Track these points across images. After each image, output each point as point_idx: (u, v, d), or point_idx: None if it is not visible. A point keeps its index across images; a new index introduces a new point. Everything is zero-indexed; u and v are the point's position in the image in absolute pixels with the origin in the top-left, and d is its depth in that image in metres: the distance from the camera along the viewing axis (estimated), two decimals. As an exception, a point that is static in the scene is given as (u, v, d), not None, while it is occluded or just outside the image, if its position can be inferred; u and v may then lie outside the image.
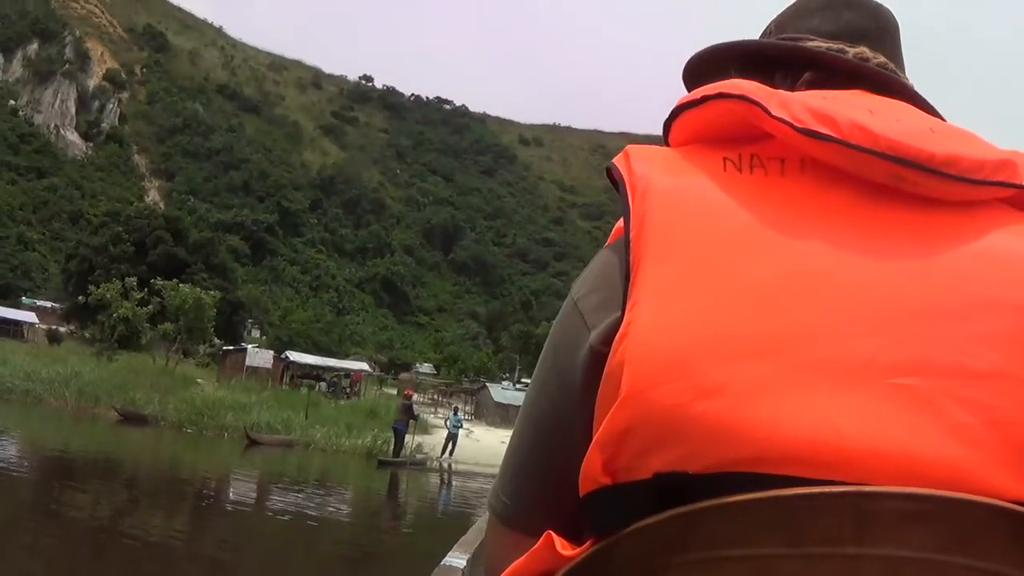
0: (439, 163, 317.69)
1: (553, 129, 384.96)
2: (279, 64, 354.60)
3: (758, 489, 1.02)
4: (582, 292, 1.26)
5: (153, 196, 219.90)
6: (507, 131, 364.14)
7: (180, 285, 68.21)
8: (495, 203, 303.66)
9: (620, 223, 1.25)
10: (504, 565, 1.28)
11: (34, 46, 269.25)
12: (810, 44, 1.45)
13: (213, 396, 47.79)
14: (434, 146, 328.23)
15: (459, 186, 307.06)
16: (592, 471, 1.12)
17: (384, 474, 39.04)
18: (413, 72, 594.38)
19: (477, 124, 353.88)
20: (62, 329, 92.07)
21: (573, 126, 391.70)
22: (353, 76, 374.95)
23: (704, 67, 1.52)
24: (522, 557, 1.22)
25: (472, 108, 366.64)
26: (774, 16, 1.58)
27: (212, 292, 71.55)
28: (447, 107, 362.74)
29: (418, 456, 44.65)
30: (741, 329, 1.09)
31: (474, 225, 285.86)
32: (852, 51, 1.42)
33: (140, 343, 66.35)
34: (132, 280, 68.21)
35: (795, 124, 1.17)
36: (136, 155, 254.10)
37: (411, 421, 42.78)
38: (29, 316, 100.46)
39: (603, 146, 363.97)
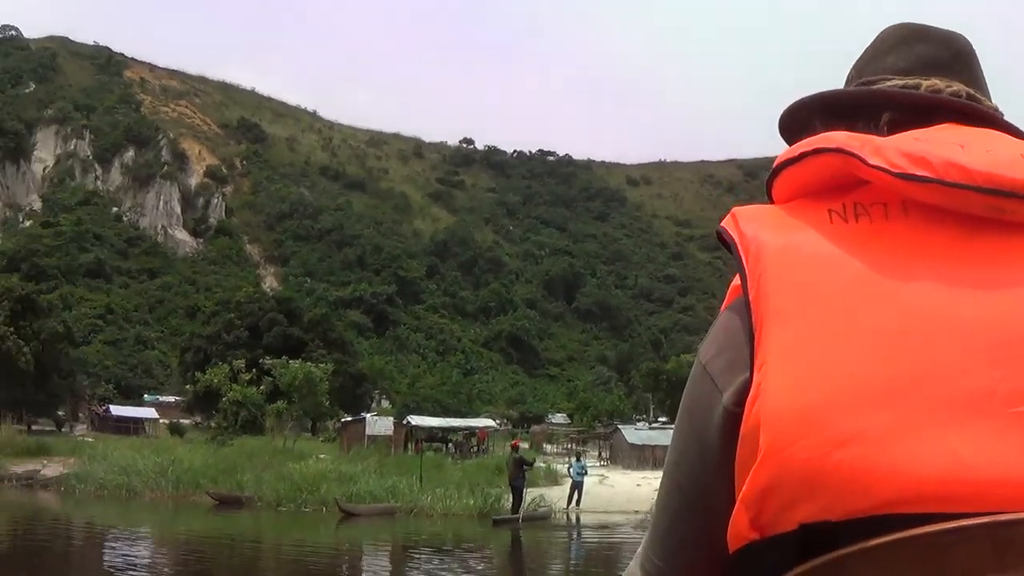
0: (550, 214, 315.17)
1: (660, 166, 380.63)
2: (378, 139, 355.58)
3: (898, 529, 1.04)
4: (710, 355, 1.29)
5: (270, 282, 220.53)
6: (614, 174, 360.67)
7: (290, 362, 66.39)
8: (612, 247, 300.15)
9: (735, 282, 1.30)
10: None
11: (130, 153, 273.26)
12: (886, 84, 1.47)
13: (314, 470, 45.31)
14: (543, 199, 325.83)
15: (573, 234, 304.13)
16: (740, 528, 1.16)
17: (502, 534, 36.17)
18: (512, 129, 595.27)
19: (583, 171, 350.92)
20: (185, 421, 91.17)
21: (679, 160, 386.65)
22: (453, 141, 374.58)
23: (793, 121, 1.55)
24: None
25: (576, 156, 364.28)
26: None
27: (323, 364, 69.72)
28: (551, 158, 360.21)
29: (540, 509, 41.51)
30: (866, 378, 1.11)
31: (594, 271, 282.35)
32: (925, 84, 1.43)
33: (263, 426, 64.51)
34: (240, 363, 66.62)
35: (892, 170, 1.20)
36: (247, 244, 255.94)
37: (525, 473, 39.81)
38: (149, 412, 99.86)
39: (711, 175, 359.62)
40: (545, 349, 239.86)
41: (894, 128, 1.38)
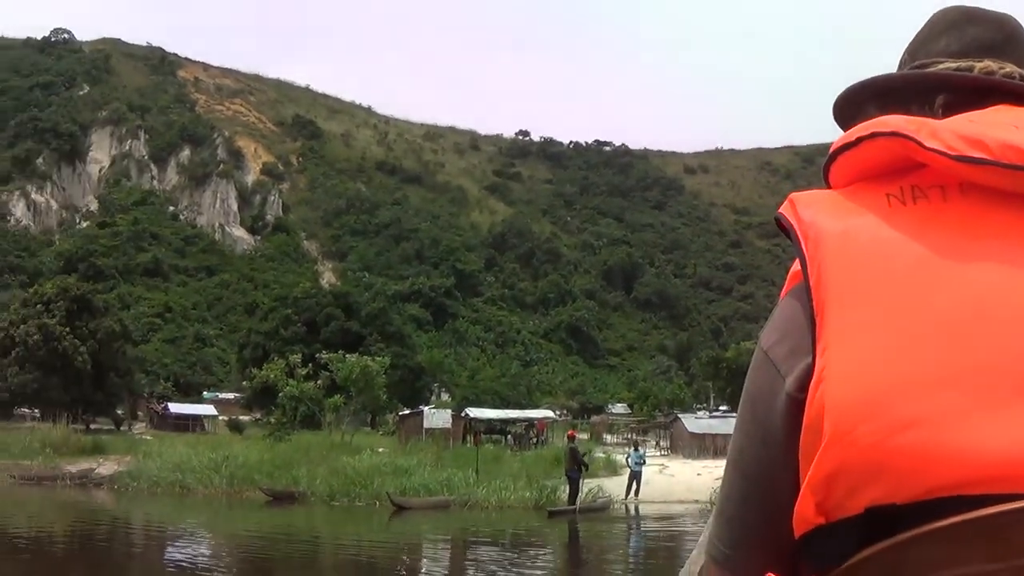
0: (608, 205, 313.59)
1: (716, 154, 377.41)
2: (434, 133, 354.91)
3: (963, 511, 1.05)
4: (771, 342, 1.30)
5: (328, 277, 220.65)
6: (670, 163, 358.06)
7: (346, 356, 66.07)
8: (670, 236, 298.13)
9: (794, 268, 1.31)
10: None
11: (186, 152, 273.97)
12: (939, 67, 1.46)
13: (367, 464, 44.78)
14: (600, 189, 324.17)
15: (631, 224, 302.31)
16: (806, 513, 1.17)
17: (558, 526, 35.41)
18: (568, 120, 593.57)
19: (640, 161, 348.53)
20: (244, 418, 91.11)
21: (736, 148, 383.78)
22: (509, 133, 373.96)
23: (847, 106, 1.55)
24: None
25: (632, 146, 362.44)
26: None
27: (380, 358, 69.31)
28: (607, 148, 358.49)
29: (598, 500, 40.68)
30: (929, 360, 1.12)
31: (652, 260, 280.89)
32: (978, 66, 1.42)
33: (321, 421, 64.28)
34: (296, 358, 66.33)
35: (949, 152, 1.19)
36: (305, 241, 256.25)
37: (582, 465, 39.02)
38: (208, 409, 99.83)
39: (769, 163, 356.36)
40: (604, 339, 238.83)
41: (948, 111, 1.38)
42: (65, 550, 29.49)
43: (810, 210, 1.27)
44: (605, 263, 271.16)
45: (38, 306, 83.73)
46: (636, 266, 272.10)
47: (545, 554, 30.25)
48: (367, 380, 63.64)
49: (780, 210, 1.31)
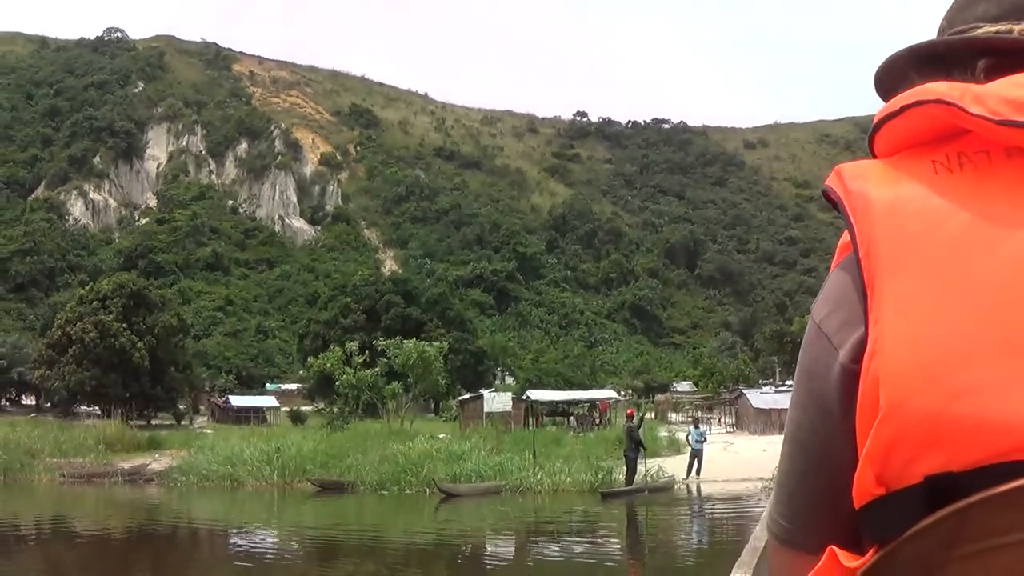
0: (668, 182, 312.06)
1: (775, 128, 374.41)
2: (492, 117, 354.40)
3: (1021, 477, 1.05)
4: (823, 314, 1.30)
5: (389, 265, 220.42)
6: (730, 139, 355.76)
7: (404, 341, 65.10)
8: (732, 212, 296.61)
9: (843, 240, 1.31)
10: None
11: (243, 145, 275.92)
12: (979, 32, 1.44)
13: (419, 450, 43.75)
14: (660, 167, 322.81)
15: (692, 201, 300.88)
16: (865, 484, 1.17)
17: (615, 509, 34.22)
18: (625, 100, 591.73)
19: (699, 137, 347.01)
20: (306, 408, 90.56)
21: (795, 121, 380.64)
22: (567, 115, 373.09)
23: (889, 76, 1.53)
24: (810, 574, 1.27)
25: (690, 123, 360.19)
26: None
27: (437, 343, 68.38)
28: (665, 126, 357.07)
29: (659, 480, 39.35)
30: (983, 328, 1.12)
31: (714, 237, 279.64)
32: (1017, 28, 1.40)
33: (384, 409, 63.37)
34: (353, 345, 65.50)
35: (993, 117, 1.19)
36: (365, 230, 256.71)
37: (640, 445, 37.80)
38: (269, 400, 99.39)
39: (828, 135, 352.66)
40: (668, 317, 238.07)
41: (991, 75, 1.37)
42: (64, 547, 28.83)
43: (857, 181, 1.28)
44: (667, 241, 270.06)
45: (94, 303, 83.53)
46: (698, 243, 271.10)
47: (595, 539, 29.05)
48: (425, 366, 62.59)
49: (827, 182, 1.32)
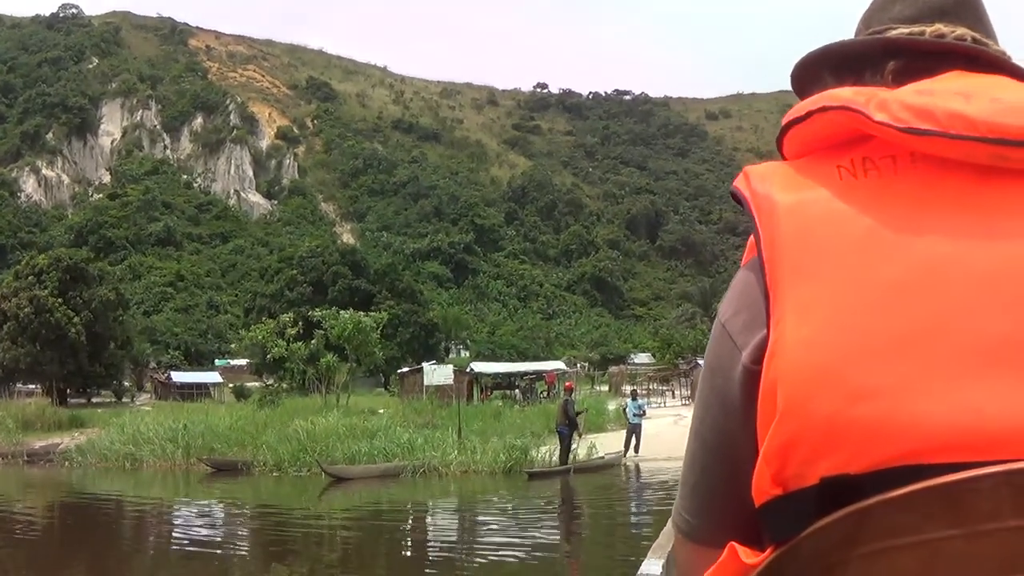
0: (630, 154, 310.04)
1: (738, 99, 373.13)
2: (451, 90, 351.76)
3: (918, 480, 1.07)
4: (728, 315, 1.32)
5: (346, 238, 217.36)
6: (692, 109, 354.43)
7: (340, 312, 62.16)
8: (694, 183, 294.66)
9: (752, 241, 1.31)
10: None
11: (198, 120, 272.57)
12: (892, 33, 1.46)
13: (323, 428, 40.79)
14: (622, 138, 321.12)
15: (654, 172, 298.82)
16: (763, 484, 1.19)
17: (540, 487, 31.54)
18: (586, 71, 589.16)
19: (661, 108, 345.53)
20: (252, 384, 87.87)
21: (757, 92, 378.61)
22: (527, 87, 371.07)
23: (804, 75, 1.56)
24: (711, 568, 1.29)
25: (652, 94, 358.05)
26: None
27: (375, 312, 65.57)
28: (627, 97, 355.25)
29: (607, 457, 36.59)
30: (882, 331, 1.13)
31: (676, 208, 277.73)
32: (929, 30, 1.43)
33: (325, 383, 60.39)
34: (286, 317, 62.70)
35: (897, 124, 1.21)
36: (323, 203, 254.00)
37: (576, 421, 35.02)
38: (213, 377, 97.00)
39: (791, 105, 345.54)
40: (630, 289, 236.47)
41: (900, 77, 1.39)
42: None
43: (764, 183, 1.29)
44: (628, 212, 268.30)
45: (30, 278, 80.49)
46: (660, 214, 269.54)
47: (498, 529, 25.94)
48: (362, 337, 59.73)
49: (735, 183, 1.33)
